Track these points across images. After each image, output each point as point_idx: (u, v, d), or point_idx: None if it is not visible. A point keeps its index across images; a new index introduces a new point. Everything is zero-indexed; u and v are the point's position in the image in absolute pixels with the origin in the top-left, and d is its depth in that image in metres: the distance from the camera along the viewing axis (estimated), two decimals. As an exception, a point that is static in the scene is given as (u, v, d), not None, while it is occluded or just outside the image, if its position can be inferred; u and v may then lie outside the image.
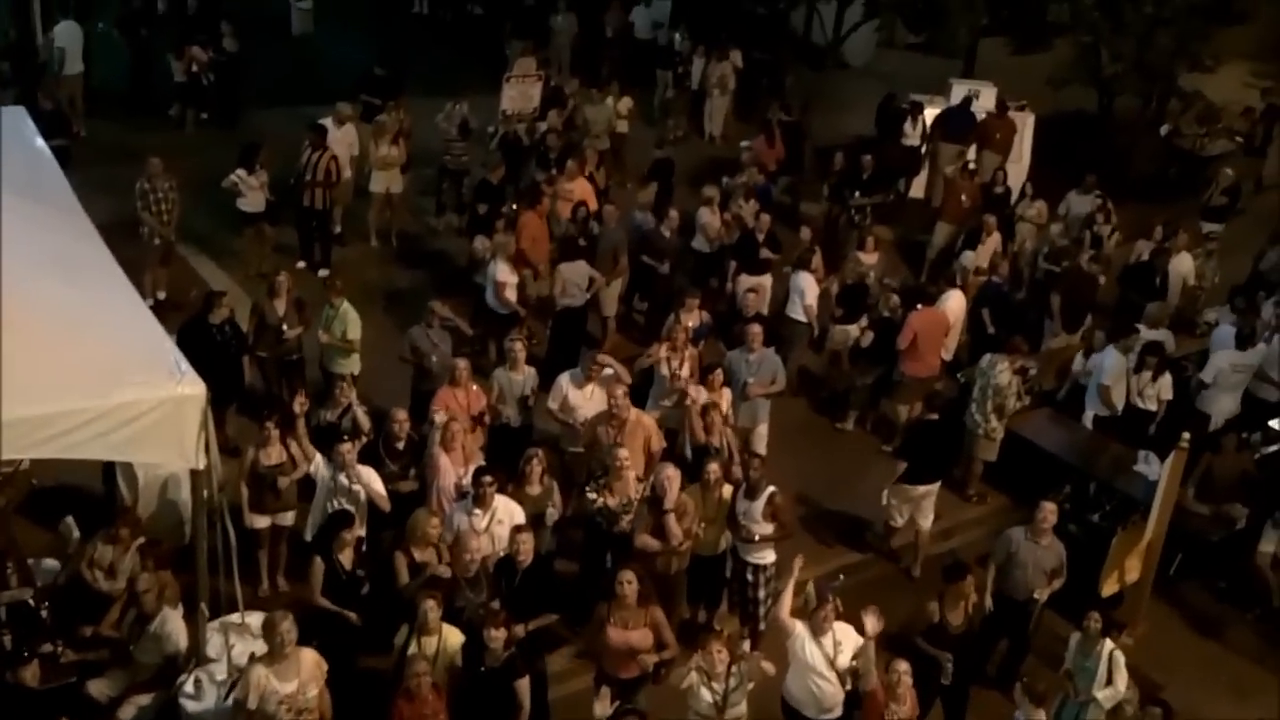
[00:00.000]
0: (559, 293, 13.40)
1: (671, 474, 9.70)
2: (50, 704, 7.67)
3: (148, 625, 8.47)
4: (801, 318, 13.65)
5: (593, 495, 9.89)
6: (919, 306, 13.24)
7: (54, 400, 7.25)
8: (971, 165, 17.27)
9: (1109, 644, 9.15)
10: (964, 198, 16.53)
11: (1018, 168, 18.25)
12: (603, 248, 13.84)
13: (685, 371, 11.63)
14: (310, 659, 7.84)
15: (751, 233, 14.52)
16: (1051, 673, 9.37)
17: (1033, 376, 13.28)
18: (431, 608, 8.15)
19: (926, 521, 11.54)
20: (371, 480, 9.68)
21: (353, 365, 11.78)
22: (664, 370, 11.60)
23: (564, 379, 11.17)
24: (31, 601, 8.77)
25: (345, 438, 9.92)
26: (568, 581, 9.87)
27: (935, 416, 11.47)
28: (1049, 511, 9.92)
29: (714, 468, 9.96)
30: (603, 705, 8.00)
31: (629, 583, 8.49)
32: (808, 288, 13.62)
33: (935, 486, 11.48)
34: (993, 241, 15.26)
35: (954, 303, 13.74)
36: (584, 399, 11.04)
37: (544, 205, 14.37)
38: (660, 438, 10.81)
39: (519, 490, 9.78)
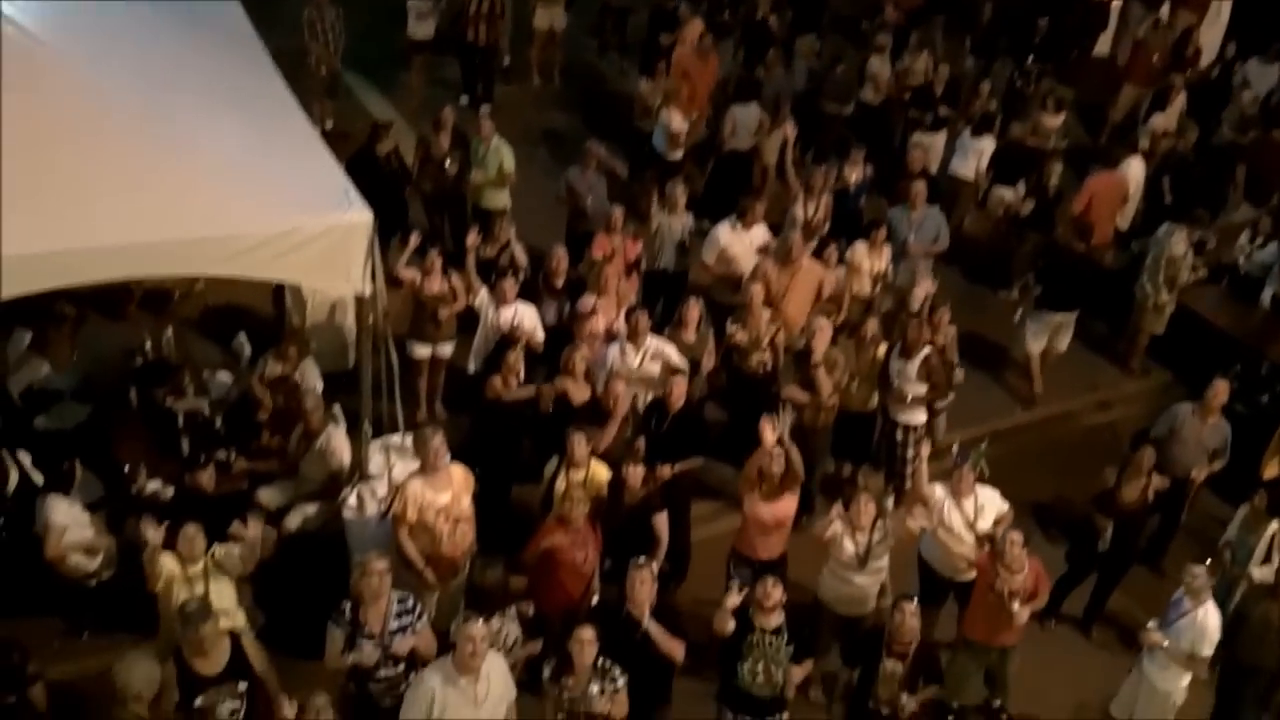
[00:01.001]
0: (728, 133, 13.21)
1: (824, 325, 9.65)
2: (225, 508, 8.07)
3: (313, 441, 8.84)
4: (970, 177, 13.28)
5: (733, 329, 9.89)
6: (1096, 170, 12.75)
7: (229, 223, 7.51)
8: (1164, 23, 16.35)
9: (1275, 524, 8.94)
10: (1154, 58, 15.70)
11: (1214, 30, 17.22)
12: (767, 94, 13.60)
13: (820, 216, 11.52)
14: (460, 472, 8.14)
15: (928, 86, 14.07)
16: (1199, 554, 9.20)
17: (1209, 250, 12.75)
18: (580, 442, 8.33)
19: (1063, 345, 11.61)
20: (528, 317, 9.84)
21: (504, 200, 11.86)
22: (798, 212, 11.46)
23: (721, 229, 11.08)
24: (207, 411, 9.24)
25: (502, 275, 10.08)
26: (717, 428, 9.99)
27: (1082, 246, 11.56)
28: (1221, 389, 9.64)
29: (871, 324, 9.88)
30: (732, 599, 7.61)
31: (777, 455, 8.36)
32: (985, 149, 13.23)
33: (1071, 317, 11.43)
34: (1179, 104, 14.53)
35: (1135, 169, 13.18)
36: (743, 247, 10.96)
37: (707, 42, 14.02)
38: (833, 286, 10.77)
39: (675, 335, 9.84)
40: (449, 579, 8.25)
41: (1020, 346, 11.85)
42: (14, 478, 8.82)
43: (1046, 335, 11.69)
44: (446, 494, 8.02)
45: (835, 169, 12.29)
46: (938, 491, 8.58)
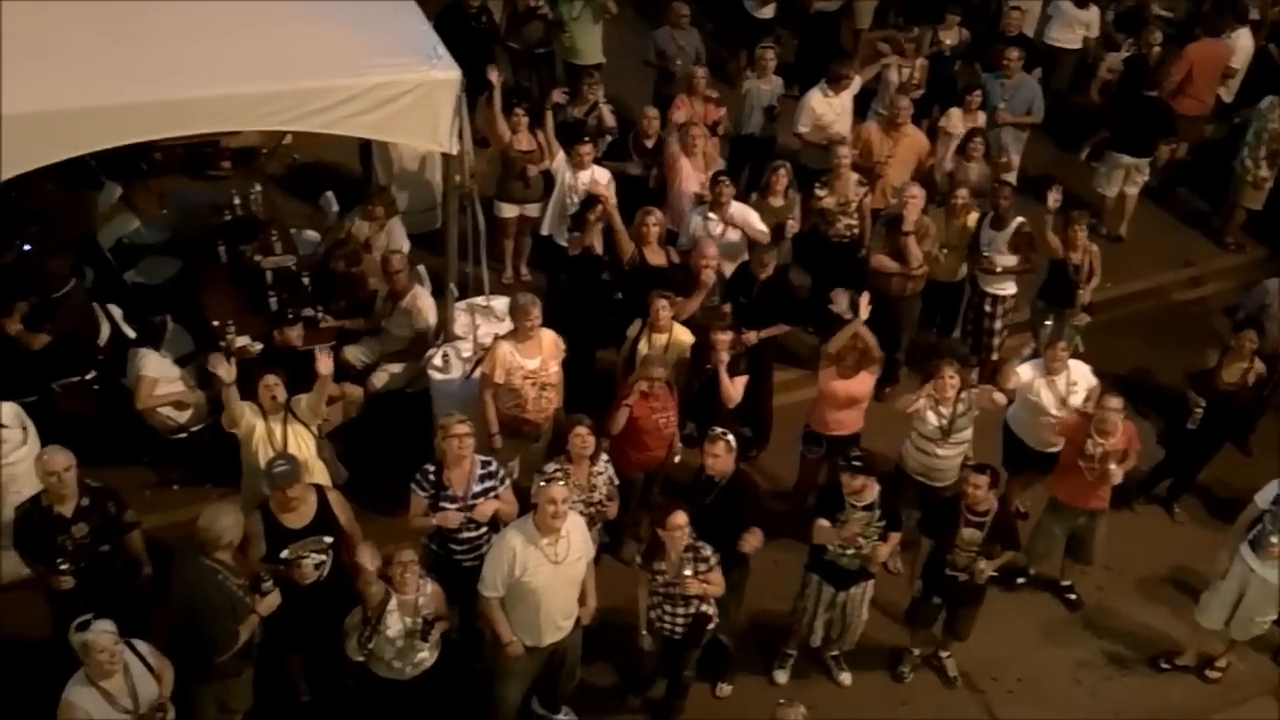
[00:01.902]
0: None
1: (915, 193, 9.44)
2: (313, 364, 8.15)
3: (400, 301, 8.88)
4: (1071, 45, 12.81)
5: (820, 192, 9.73)
6: (1199, 37, 12.24)
7: (316, 77, 7.43)
8: None
9: None
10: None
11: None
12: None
13: (916, 80, 11.22)
14: (550, 338, 8.14)
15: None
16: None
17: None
18: (664, 307, 8.28)
19: (1135, 190, 11.55)
20: (604, 180, 9.66)
21: (594, 55, 11.65)
22: (892, 76, 11.16)
23: (813, 96, 10.80)
24: (294, 268, 9.30)
25: (589, 136, 9.95)
26: (803, 295, 9.88)
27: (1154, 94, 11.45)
28: (1315, 264, 9.35)
29: (962, 193, 9.65)
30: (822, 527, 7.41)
31: (859, 335, 8.23)
32: (1091, 20, 12.75)
33: (1143, 163, 11.38)
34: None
35: (1243, 40, 12.57)
36: (835, 113, 10.71)
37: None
38: (930, 154, 10.56)
39: (762, 200, 9.68)
40: (531, 442, 8.32)
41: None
42: (105, 331, 9.00)
43: (1119, 180, 11.57)
44: (536, 359, 8.04)
45: (930, 32, 11.90)
46: (1027, 370, 8.44)
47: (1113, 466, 7.86)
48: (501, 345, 8.02)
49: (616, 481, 7.61)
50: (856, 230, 9.87)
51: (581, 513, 7.20)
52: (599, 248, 9.04)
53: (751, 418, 9.04)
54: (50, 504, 6.64)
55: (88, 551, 6.68)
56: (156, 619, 6.85)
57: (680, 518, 6.77)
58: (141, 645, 6.04)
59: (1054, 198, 9.61)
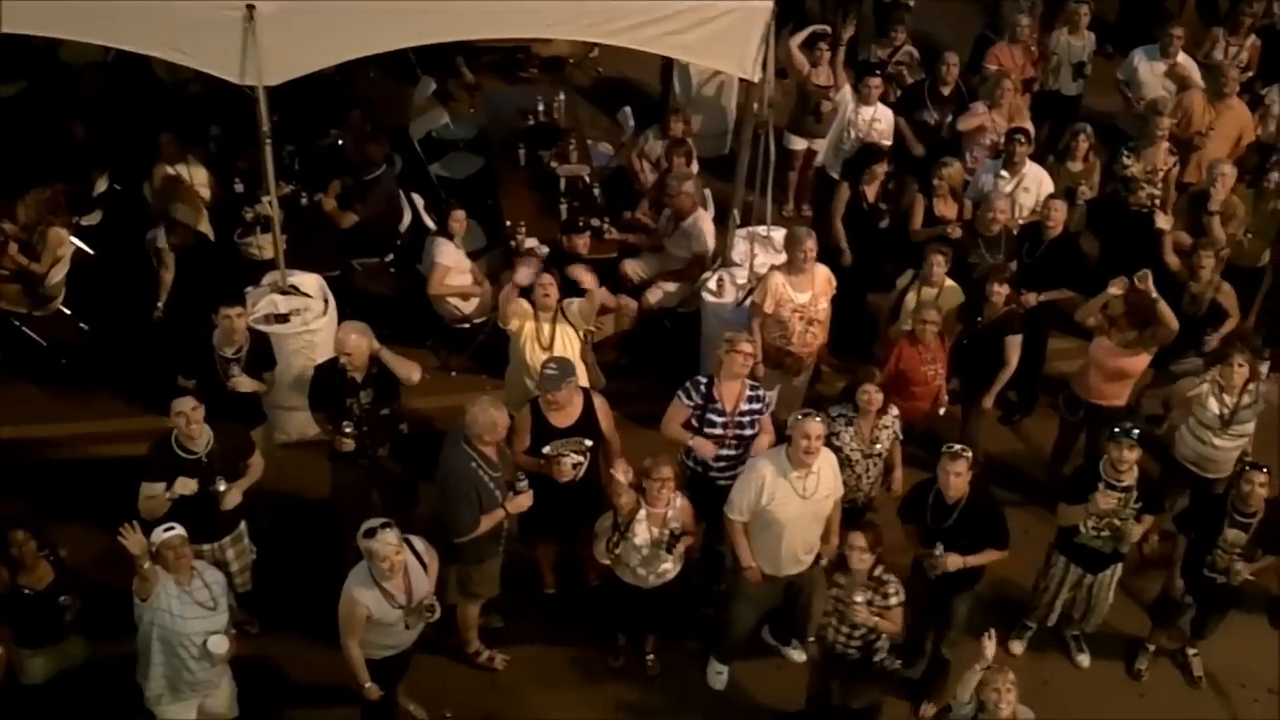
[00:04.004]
0: None
1: (1227, 171, 8.94)
2: (599, 270, 8.42)
3: (682, 221, 9.03)
4: None
5: (1127, 159, 9.37)
6: None
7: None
8: None
9: None
10: None
11: None
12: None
13: (1246, 56, 10.63)
14: (823, 274, 8.16)
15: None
16: None
17: None
18: (939, 262, 8.17)
19: None
20: (885, 120, 9.54)
21: None
22: (1216, 54, 10.50)
23: (1139, 59, 10.36)
24: (587, 178, 9.58)
25: (888, 78, 9.80)
26: (1091, 261, 9.54)
27: None
28: None
29: (1275, 176, 9.08)
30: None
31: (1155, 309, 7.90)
32: None
33: None
34: None
35: None
36: (1155, 77, 10.25)
37: None
38: (1252, 132, 10.02)
39: (1059, 164, 9.37)
40: (793, 376, 8.38)
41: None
42: (407, 218, 9.51)
43: None
44: (807, 293, 8.08)
45: (1265, 2, 11.14)
46: None
47: None
48: (775, 276, 8.08)
49: (900, 437, 7.48)
50: (1159, 200, 9.43)
51: (858, 462, 7.24)
52: (871, 196, 8.95)
53: (1020, 381, 8.81)
54: (343, 368, 7.10)
55: (370, 417, 7.14)
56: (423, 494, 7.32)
57: (860, 538, 6.35)
58: (418, 543, 6.34)
59: None
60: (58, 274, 8.86)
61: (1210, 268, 8.43)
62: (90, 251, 9.21)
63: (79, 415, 8.71)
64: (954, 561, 6.78)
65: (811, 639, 6.91)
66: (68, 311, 9.09)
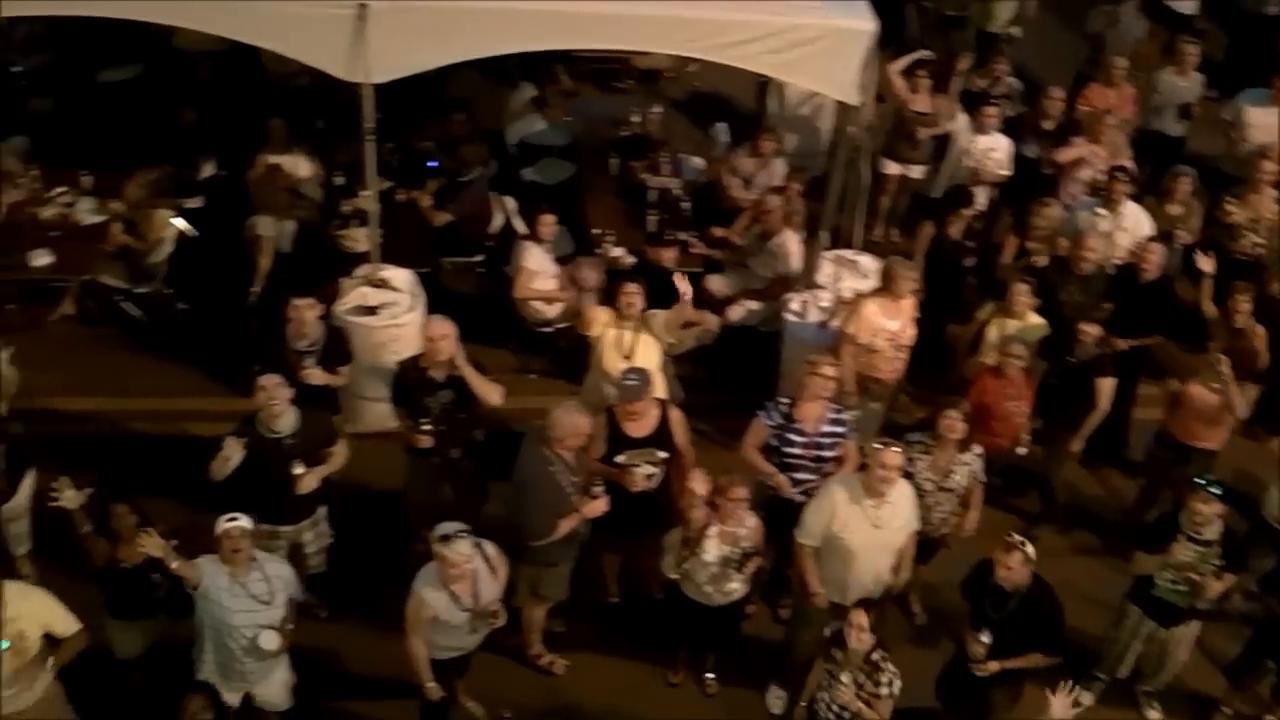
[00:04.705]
0: None
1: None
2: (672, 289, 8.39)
3: (768, 241, 9.02)
4: None
5: (1231, 205, 9.18)
6: None
7: (736, 10, 7.63)
8: None
9: None
10: None
11: None
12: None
13: None
14: (911, 303, 8.11)
15: None
16: None
17: None
18: (1023, 291, 8.07)
19: None
20: (1001, 149, 9.43)
21: (1010, 24, 11.34)
22: None
23: (1247, 103, 10.16)
24: (677, 191, 9.60)
25: (994, 103, 9.72)
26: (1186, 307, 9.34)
27: None
28: None
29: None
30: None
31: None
32: None
33: None
34: None
35: None
36: (1263, 121, 10.02)
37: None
38: None
39: (1158, 205, 9.21)
40: (873, 401, 8.33)
41: None
42: (498, 220, 9.60)
43: None
44: (897, 321, 8.05)
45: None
46: None
47: None
48: (868, 304, 8.05)
49: (983, 480, 7.28)
50: (1262, 250, 9.22)
51: (930, 493, 7.11)
52: (957, 235, 8.89)
53: (1110, 426, 8.64)
54: (425, 366, 7.17)
55: (449, 416, 7.19)
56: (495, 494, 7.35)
57: (862, 617, 6.11)
58: (490, 548, 6.37)
59: None
60: (160, 253, 9.09)
61: (1246, 311, 8.23)
62: (196, 233, 9.42)
63: (169, 390, 8.88)
64: (993, 666, 6.47)
65: (803, 704, 6.55)
66: (169, 290, 9.30)
